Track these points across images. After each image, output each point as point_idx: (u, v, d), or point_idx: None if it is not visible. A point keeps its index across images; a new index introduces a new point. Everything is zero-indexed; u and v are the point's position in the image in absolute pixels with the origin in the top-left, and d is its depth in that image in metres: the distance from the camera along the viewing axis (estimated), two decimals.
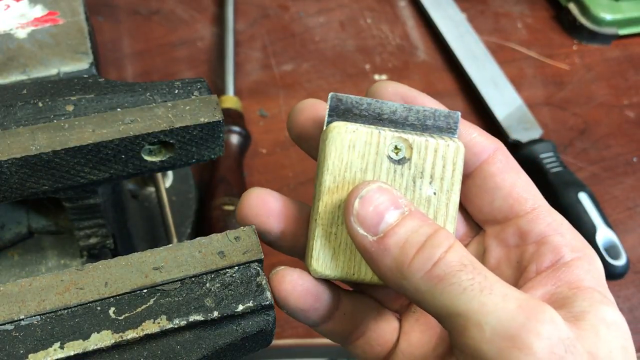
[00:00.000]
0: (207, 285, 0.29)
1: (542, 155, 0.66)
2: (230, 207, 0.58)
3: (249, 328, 0.29)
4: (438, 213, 0.28)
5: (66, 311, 0.28)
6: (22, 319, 0.28)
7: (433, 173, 0.28)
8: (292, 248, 0.31)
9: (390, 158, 0.28)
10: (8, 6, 0.41)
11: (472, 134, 0.30)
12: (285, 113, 0.71)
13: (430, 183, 0.28)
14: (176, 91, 0.35)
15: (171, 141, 0.34)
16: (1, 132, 0.32)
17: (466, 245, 0.31)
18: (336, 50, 0.78)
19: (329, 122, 0.29)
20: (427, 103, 0.30)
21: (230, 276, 0.30)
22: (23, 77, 0.37)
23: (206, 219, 0.58)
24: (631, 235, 0.65)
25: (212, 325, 0.29)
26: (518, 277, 0.29)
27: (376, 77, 0.75)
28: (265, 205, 0.30)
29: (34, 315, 0.28)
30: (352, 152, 0.28)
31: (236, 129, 0.63)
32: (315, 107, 0.31)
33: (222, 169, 0.61)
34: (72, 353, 0.27)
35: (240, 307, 0.29)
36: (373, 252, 0.26)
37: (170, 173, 0.59)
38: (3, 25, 0.40)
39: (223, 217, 0.57)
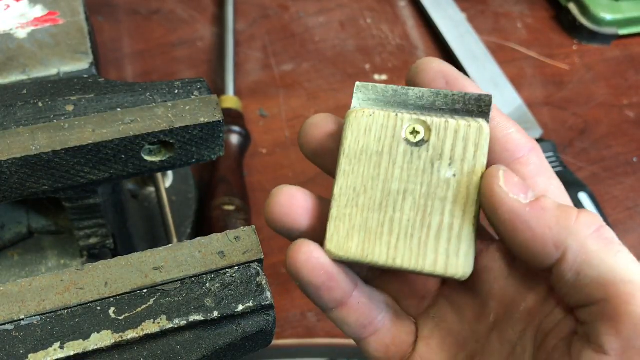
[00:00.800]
0: (207, 285, 0.29)
1: None
2: (230, 207, 0.58)
3: (249, 328, 0.29)
4: (458, 195, 0.27)
5: (66, 311, 0.28)
6: (22, 319, 0.28)
7: (453, 155, 0.28)
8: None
9: (407, 141, 0.28)
10: (8, 6, 0.41)
11: (510, 129, 0.29)
12: (285, 113, 0.71)
13: (450, 165, 0.28)
14: (176, 91, 0.35)
15: (171, 141, 0.34)
16: (1, 132, 0.32)
17: (488, 252, 0.30)
18: (336, 50, 0.78)
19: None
20: (468, 86, 0.29)
21: (230, 276, 0.30)
22: (23, 77, 0.37)
23: (206, 219, 0.58)
24: (631, 235, 0.65)
25: (212, 325, 0.29)
26: None
27: (376, 77, 0.75)
28: (295, 202, 0.30)
29: (34, 315, 0.28)
30: (368, 135, 0.28)
31: (236, 129, 0.63)
32: (330, 122, 0.30)
33: (222, 169, 0.61)
34: (72, 353, 0.27)
35: (240, 307, 0.29)
36: (529, 213, 0.25)
37: (170, 173, 0.59)
38: (3, 25, 0.40)
39: (223, 217, 0.57)
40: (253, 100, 0.72)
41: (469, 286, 0.30)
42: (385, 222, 0.28)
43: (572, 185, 0.63)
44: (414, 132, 0.28)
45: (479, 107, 0.28)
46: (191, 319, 0.28)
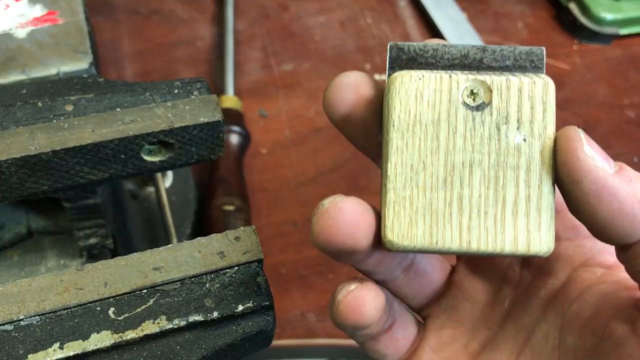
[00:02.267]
0: (207, 285, 0.29)
1: None
2: (230, 207, 0.58)
3: (249, 328, 0.29)
4: (532, 163, 0.24)
5: (66, 311, 0.28)
6: (22, 319, 0.28)
7: (520, 116, 0.24)
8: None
9: (466, 105, 0.25)
10: (7, 6, 0.41)
11: None
12: (285, 113, 0.71)
13: (518, 128, 0.24)
14: (176, 91, 0.35)
15: (171, 141, 0.34)
16: (0, 132, 0.32)
17: None
18: (336, 50, 0.78)
19: (390, 75, 0.25)
20: None
21: (230, 276, 0.30)
22: (22, 77, 0.37)
23: (206, 219, 0.58)
24: None
25: (211, 326, 0.29)
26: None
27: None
28: (364, 220, 0.25)
29: (34, 316, 0.28)
30: (420, 102, 0.24)
31: (236, 128, 0.63)
32: (367, 83, 0.26)
33: (222, 169, 0.61)
34: (71, 353, 0.27)
35: (240, 308, 0.29)
36: (617, 183, 0.23)
37: (170, 173, 0.59)
38: (2, 25, 0.40)
39: (223, 217, 0.57)
40: (253, 100, 0.72)
41: (482, 272, 0.29)
42: (454, 201, 0.24)
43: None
44: (472, 94, 0.25)
45: (531, 61, 0.25)
46: (191, 319, 0.28)
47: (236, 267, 0.30)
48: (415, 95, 0.25)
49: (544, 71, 0.25)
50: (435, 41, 0.26)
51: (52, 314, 0.28)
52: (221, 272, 0.30)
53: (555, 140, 0.24)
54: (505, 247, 0.24)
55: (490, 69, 0.25)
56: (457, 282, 0.30)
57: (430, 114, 0.25)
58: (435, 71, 0.25)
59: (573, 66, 0.79)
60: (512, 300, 0.28)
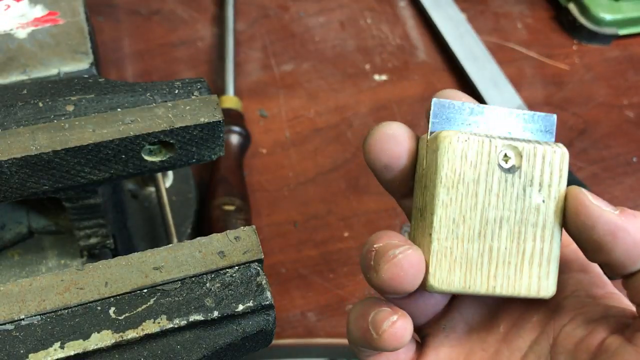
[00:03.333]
0: (207, 285, 0.29)
1: None
2: (231, 207, 0.58)
3: (249, 328, 0.29)
4: (547, 221, 0.28)
5: (66, 311, 0.28)
6: (23, 319, 0.28)
7: (542, 181, 0.28)
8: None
9: (500, 167, 0.28)
10: (8, 6, 0.41)
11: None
12: (285, 113, 0.71)
13: (540, 191, 0.28)
14: (176, 91, 0.35)
15: (171, 141, 0.34)
16: (1, 132, 0.32)
17: None
18: (336, 50, 0.78)
19: (433, 130, 0.29)
20: None
21: (231, 276, 0.30)
22: (23, 77, 0.37)
23: (206, 219, 0.58)
24: None
25: (212, 325, 0.29)
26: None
27: (376, 77, 0.75)
28: (423, 269, 0.28)
29: (34, 315, 0.28)
30: (464, 162, 0.28)
31: (236, 129, 0.63)
32: (409, 136, 0.29)
33: (222, 169, 0.61)
34: (72, 353, 0.27)
35: (241, 307, 0.29)
36: (625, 221, 0.26)
37: (170, 173, 0.59)
38: (3, 25, 0.40)
39: (223, 217, 0.57)
40: (253, 100, 0.72)
41: (481, 298, 0.32)
42: (485, 252, 0.28)
43: (572, 185, 0.63)
44: (506, 158, 0.28)
45: (546, 126, 0.29)
46: (191, 318, 0.28)
47: (236, 267, 0.30)
48: (461, 156, 0.28)
49: (555, 133, 0.29)
50: (470, 100, 0.30)
51: (52, 313, 0.28)
52: (221, 271, 0.30)
53: (565, 198, 0.28)
54: (522, 291, 0.28)
55: (514, 130, 0.29)
56: (457, 306, 0.32)
57: (472, 173, 0.28)
58: (476, 134, 0.28)
59: (572, 66, 0.79)
60: (506, 325, 0.31)
